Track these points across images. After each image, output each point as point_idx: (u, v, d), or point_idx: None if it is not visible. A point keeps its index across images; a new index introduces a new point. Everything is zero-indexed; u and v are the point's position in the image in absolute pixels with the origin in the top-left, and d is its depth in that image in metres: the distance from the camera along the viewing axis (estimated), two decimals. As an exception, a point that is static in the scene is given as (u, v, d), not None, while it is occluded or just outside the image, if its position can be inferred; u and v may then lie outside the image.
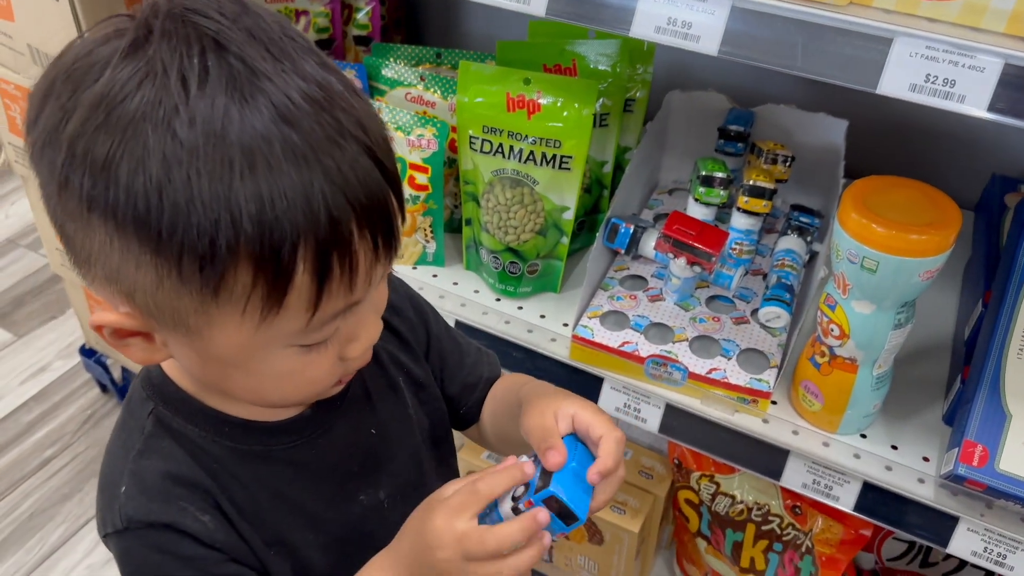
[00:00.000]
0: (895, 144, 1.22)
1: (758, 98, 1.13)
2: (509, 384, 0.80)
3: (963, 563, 1.17)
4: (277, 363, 0.55)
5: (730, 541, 1.10)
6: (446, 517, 0.56)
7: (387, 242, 0.52)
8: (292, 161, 0.46)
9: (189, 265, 0.47)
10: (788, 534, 1.04)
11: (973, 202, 1.18)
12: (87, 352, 1.87)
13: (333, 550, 0.66)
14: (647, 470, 1.21)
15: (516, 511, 0.57)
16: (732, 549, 1.10)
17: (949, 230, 0.75)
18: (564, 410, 0.63)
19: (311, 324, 0.52)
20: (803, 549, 1.02)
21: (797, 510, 1.03)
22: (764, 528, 1.06)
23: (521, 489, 0.59)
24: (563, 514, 0.57)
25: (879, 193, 0.78)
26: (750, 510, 1.06)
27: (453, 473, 0.81)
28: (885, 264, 0.76)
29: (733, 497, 1.08)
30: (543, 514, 0.56)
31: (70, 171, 0.47)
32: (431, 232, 1.10)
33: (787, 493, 1.04)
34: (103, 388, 1.92)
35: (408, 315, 0.76)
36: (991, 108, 0.62)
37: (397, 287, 0.77)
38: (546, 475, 0.58)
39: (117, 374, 1.87)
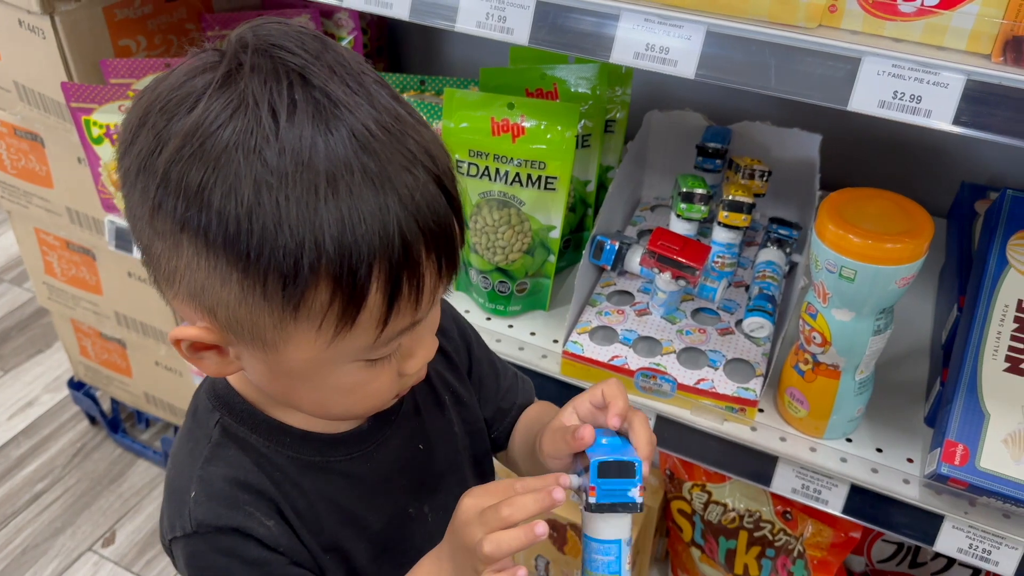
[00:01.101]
0: (868, 156, 1.26)
1: (734, 115, 1.17)
2: (539, 411, 0.83)
3: (951, 563, 1.19)
4: (343, 377, 0.58)
5: (723, 549, 1.12)
6: (474, 497, 0.58)
7: (450, 264, 0.56)
8: (370, 186, 0.50)
9: (273, 284, 0.50)
10: (780, 539, 1.06)
11: (944, 210, 1.22)
12: (75, 385, 1.87)
13: (382, 560, 0.69)
14: (639, 482, 1.23)
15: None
16: (726, 557, 1.12)
17: (922, 238, 0.78)
18: (572, 402, 0.68)
19: (378, 341, 0.55)
20: (795, 554, 1.04)
21: (788, 515, 1.05)
22: (756, 535, 1.08)
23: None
24: (620, 471, 0.58)
25: (854, 204, 0.82)
26: (742, 517, 1.08)
27: None
28: (863, 273, 0.79)
29: (725, 505, 1.10)
30: (559, 492, 0.57)
31: (163, 195, 0.50)
32: (420, 255, 1.12)
33: (777, 499, 1.07)
34: (92, 420, 1.91)
35: (453, 335, 0.80)
36: (956, 121, 0.65)
37: (445, 308, 0.80)
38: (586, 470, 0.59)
39: (107, 406, 1.87)
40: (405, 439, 0.71)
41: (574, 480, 0.61)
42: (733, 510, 1.09)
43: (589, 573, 0.62)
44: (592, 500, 0.59)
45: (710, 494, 1.12)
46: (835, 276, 0.81)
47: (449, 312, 0.81)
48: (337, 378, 0.58)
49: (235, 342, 0.56)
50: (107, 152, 1.23)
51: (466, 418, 0.78)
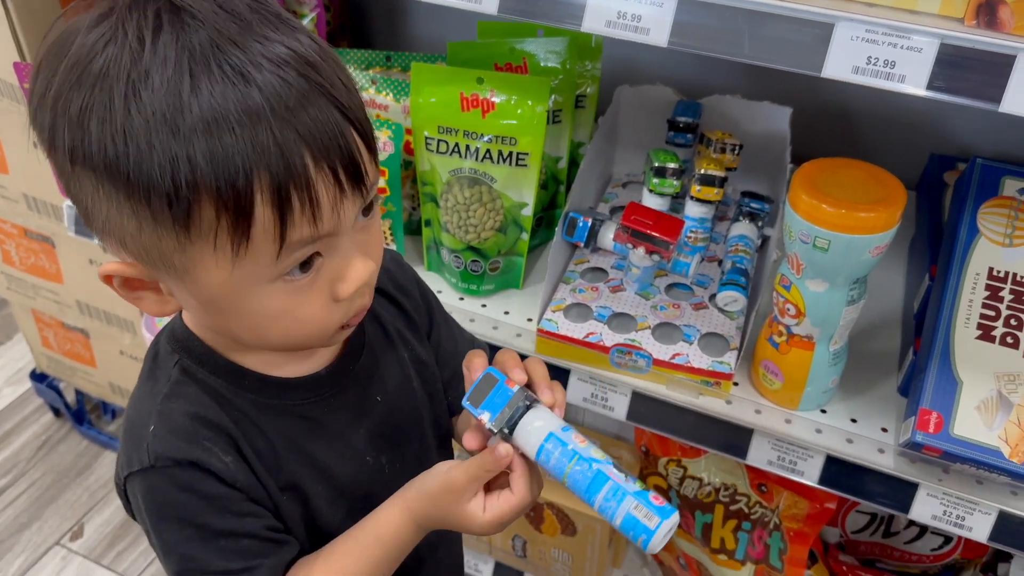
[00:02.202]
0: (837, 129, 1.26)
1: (705, 90, 1.16)
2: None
3: (923, 532, 1.21)
4: (266, 301, 0.57)
5: (700, 523, 1.12)
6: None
7: (351, 176, 0.55)
8: (237, 95, 0.51)
9: (158, 205, 0.51)
10: (756, 512, 1.06)
11: (914, 182, 1.23)
12: (38, 377, 1.82)
13: (338, 504, 0.69)
14: (614, 459, 1.22)
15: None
16: (702, 531, 1.12)
17: (895, 207, 0.78)
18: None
19: (281, 256, 0.55)
20: (771, 526, 1.05)
21: (763, 488, 1.05)
22: (732, 508, 1.08)
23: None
24: (485, 390, 0.61)
25: (827, 174, 0.81)
26: (717, 491, 1.09)
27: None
28: (836, 242, 0.78)
29: (700, 480, 1.10)
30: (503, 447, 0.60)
31: (55, 130, 0.53)
32: (391, 235, 1.10)
33: (753, 472, 1.07)
34: (56, 413, 1.87)
35: (415, 296, 0.80)
36: (930, 86, 0.65)
37: (406, 270, 0.81)
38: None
39: (71, 398, 1.83)
40: (362, 389, 0.71)
41: (493, 441, 0.62)
42: (709, 484, 1.09)
43: (565, 480, 0.61)
44: (492, 428, 0.61)
45: (685, 469, 1.12)
46: (809, 247, 0.80)
47: (411, 274, 0.81)
48: (260, 303, 0.57)
49: (154, 273, 0.57)
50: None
51: (426, 378, 0.78)
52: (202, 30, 0.51)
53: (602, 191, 1.22)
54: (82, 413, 1.83)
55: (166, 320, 0.70)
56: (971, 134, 1.20)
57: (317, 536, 0.68)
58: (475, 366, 0.64)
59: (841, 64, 0.67)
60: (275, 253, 0.54)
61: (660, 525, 0.58)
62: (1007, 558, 1.16)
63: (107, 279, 0.59)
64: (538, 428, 0.60)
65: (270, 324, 0.59)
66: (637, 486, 0.60)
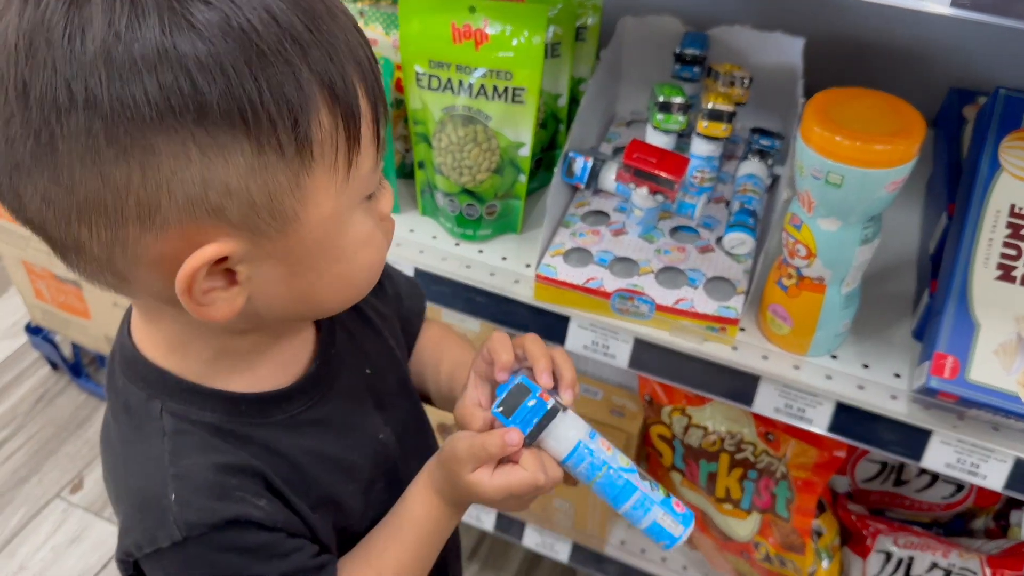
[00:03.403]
0: (852, 61, 1.20)
1: (712, 21, 1.10)
2: (443, 345, 0.81)
3: (934, 480, 1.18)
4: (358, 228, 0.55)
5: (704, 472, 1.09)
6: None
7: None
8: (327, 9, 0.49)
9: (284, 129, 0.47)
10: (762, 461, 1.03)
11: (931, 118, 1.17)
12: (33, 330, 1.80)
13: (366, 493, 0.67)
14: (618, 408, 1.20)
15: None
16: (707, 480, 1.09)
17: (914, 138, 0.73)
18: (472, 366, 0.68)
19: (378, 161, 0.54)
20: (778, 475, 1.02)
21: (770, 436, 1.02)
22: (738, 457, 1.05)
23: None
24: (516, 400, 0.61)
25: (841, 105, 0.76)
26: (723, 440, 1.06)
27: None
28: (851, 177, 0.74)
29: (705, 428, 1.07)
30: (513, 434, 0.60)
31: (116, 95, 0.43)
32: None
33: (760, 420, 1.04)
34: (53, 366, 1.85)
35: None
36: (955, 3, 0.59)
37: None
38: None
39: (68, 351, 1.81)
40: (352, 367, 0.67)
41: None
42: (714, 433, 1.06)
43: (592, 486, 0.64)
44: (525, 440, 0.61)
45: (690, 417, 1.08)
46: (821, 183, 0.75)
47: None
48: (355, 231, 0.54)
49: (252, 244, 0.50)
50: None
51: (393, 333, 0.75)
52: None
53: (605, 130, 1.17)
54: (79, 366, 1.81)
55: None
56: (992, 67, 1.14)
57: (344, 533, 0.65)
58: (503, 363, 0.64)
59: (860, -21, 0.61)
60: (374, 158, 0.53)
61: (684, 533, 0.63)
62: (1018, 505, 1.13)
63: (191, 279, 0.49)
64: (567, 438, 0.62)
65: (367, 257, 0.56)
66: (661, 494, 0.63)
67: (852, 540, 1.12)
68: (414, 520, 0.66)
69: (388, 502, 0.68)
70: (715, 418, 1.07)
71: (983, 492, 1.15)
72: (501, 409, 0.62)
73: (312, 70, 0.47)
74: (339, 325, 0.67)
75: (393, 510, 0.67)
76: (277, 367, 0.61)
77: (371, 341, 0.71)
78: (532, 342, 0.65)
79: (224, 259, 0.49)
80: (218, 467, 0.56)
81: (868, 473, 1.18)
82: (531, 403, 0.61)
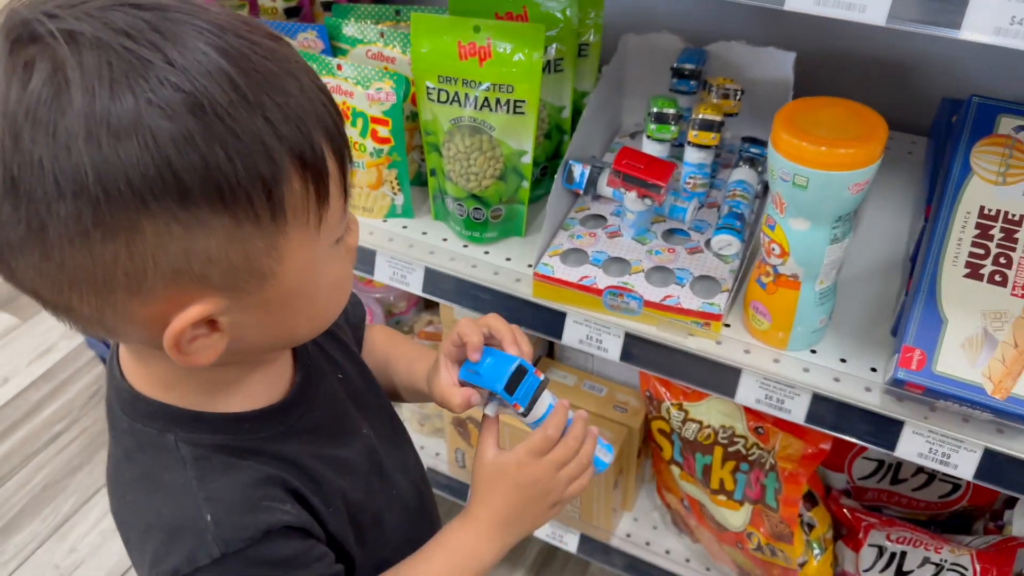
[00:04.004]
0: (846, 75, 1.25)
1: (712, 37, 1.16)
2: (392, 345, 0.92)
3: (931, 478, 1.21)
4: (332, 269, 0.61)
5: (700, 465, 1.14)
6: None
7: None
8: (294, 71, 0.53)
9: (259, 198, 0.51)
10: (753, 453, 1.08)
11: (927, 128, 1.21)
12: (89, 330, 1.93)
13: (364, 485, 0.73)
14: (622, 404, 1.26)
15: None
16: (703, 472, 1.14)
17: (875, 143, 0.78)
18: (441, 349, 0.79)
19: (345, 209, 0.59)
20: (767, 467, 1.07)
21: (760, 430, 1.07)
22: (731, 450, 1.10)
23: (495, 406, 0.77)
24: (518, 379, 0.74)
25: (808, 113, 0.82)
26: (717, 433, 1.11)
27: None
28: (815, 180, 0.79)
29: (700, 423, 1.12)
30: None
31: (102, 185, 0.47)
32: (397, 184, 1.13)
33: (751, 415, 1.08)
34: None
35: None
36: (891, 17, 0.65)
37: None
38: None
39: (119, 350, 1.93)
40: (328, 374, 0.74)
41: (491, 409, 0.77)
42: (709, 427, 1.11)
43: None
44: (523, 413, 0.75)
45: (687, 412, 1.14)
46: (789, 185, 0.81)
47: None
48: (329, 273, 0.60)
49: (233, 300, 0.54)
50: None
51: (350, 339, 0.83)
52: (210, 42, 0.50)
53: (609, 141, 1.24)
54: (129, 364, 1.93)
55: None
56: (984, 76, 1.18)
57: (357, 531, 0.71)
58: (475, 344, 0.74)
59: (805, -3, 0.67)
60: (342, 207, 0.58)
61: (611, 459, 0.81)
62: (1014, 504, 1.15)
63: (178, 339, 0.53)
64: (544, 401, 0.76)
65: (336, 293, 0.63)
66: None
67: (846, 534, 1.16)
68: (443, 545, 0.74)
69: (380, 491, 0.75)
70: (710, 413, 1.12)
71: (979, 491, 1.18)
72: (506, 389, 0.73)
73: (282, 142, 0.51)
74: None
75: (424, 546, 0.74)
76: (266, 385, 0.67)
77: (335, 349, 0.78)
78: (496, 320, 0.75)
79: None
80: (244, 484, 0.61)
81: (865, 471, 1.22)
82: (527, 381, 0.74)
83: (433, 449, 1.48)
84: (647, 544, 1.32)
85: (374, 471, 0.75)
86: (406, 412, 1.48)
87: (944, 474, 1.17)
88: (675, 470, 1.21)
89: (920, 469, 1.20)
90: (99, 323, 0.54)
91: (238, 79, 0.49)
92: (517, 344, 0.75)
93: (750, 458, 1.09)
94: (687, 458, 1.17)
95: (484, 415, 0.77)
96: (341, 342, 0.80)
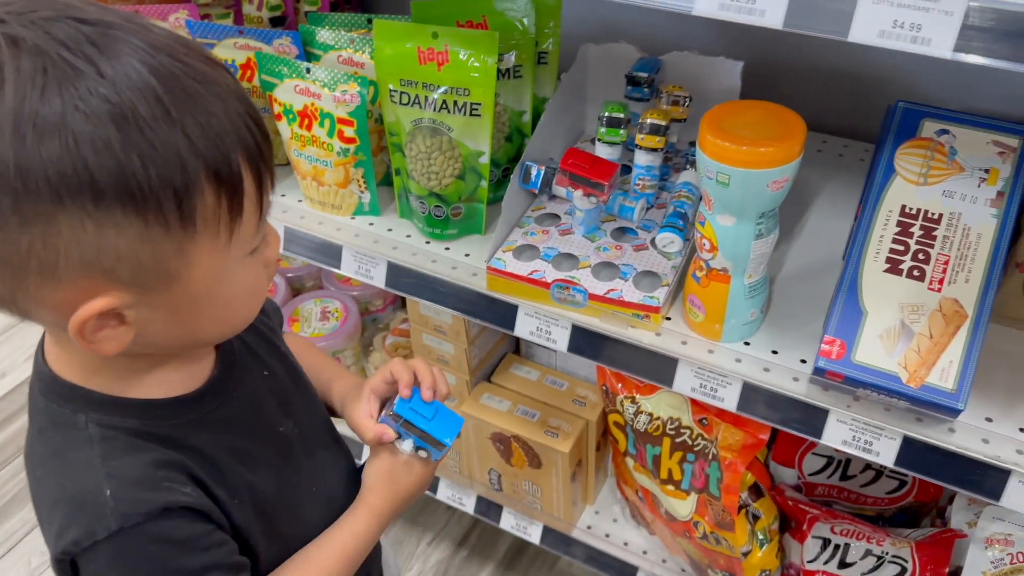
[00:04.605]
0: (796, 83, 1.30)
1: (667, 47, 1.22)
2: (313, 356, 0.96)
3: (878, 475, 1.24)
4: (242, 279, 0.64)
5: (650, 455, 1.18)
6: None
7: (269, 148, 0.64)
8: (222, 91, 0.57)
9: (169, 207, 0.55)
10: (698, 444, 1.12)
11: (875, 135, 1.25)
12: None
13: (277, 480, 0.76)
14: (580, 398, 1.30)
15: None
16: (653, 463, 1.19)
17: (792, 142, 0.83)
18: (369, 384, 0.87)
19: (259, 224, 0.63)
20: (710, 456, 1.11)
21: (704, 421, 1.11)
22: (678, 440, 1.14)
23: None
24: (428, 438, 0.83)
25: (732, 115, 0.87)
26: (665, 425, 1.15)
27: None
28: (735, 177, 0.84)
29: (651, 415, 1.17)
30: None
31: (22, 178, 0.51)
32: (364, 183, 1.19)
33: (696, 406, 1.13)
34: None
35: None
36: (788, 23, 0.70)
37: None
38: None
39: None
40: (251, 370, 0.78)
41: (407, 446, 0.83)
42: (658, 418, 1.16)
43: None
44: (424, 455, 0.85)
45: (639, 405, 1.18)
46: (714, 182, 0.86)
47: None
48: (240, 281, 0.64)
49: (139, 296, 0.58)
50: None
51: (278, 339, 0.87)
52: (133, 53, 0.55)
53: (570, 145, 1.29)
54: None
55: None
56: (933, 85, 1.22)
57: (264, 518, 0.73)
58: (407, 382, 0.84)
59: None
60: (256, 223, 0.62)
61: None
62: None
63: (82, 326, 0.57)
64: None
65: (245, 302, 0.66)
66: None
67: (792, 527, 1.20)
68: (348, 530, 0.80)
69: (298, 487, 0.79)
70: (659, 405, 1.17)
71: (924, 486, 1.21)
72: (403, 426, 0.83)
73: (197, 154, 0.55)
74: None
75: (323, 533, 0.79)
76: (185, 375, 0.70)
77: (262, 346, 0.82)
78: (422, 363, 0.86)
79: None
80: (146, 463, 0.64)
81: (815, 467, 1.26)
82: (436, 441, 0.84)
83: (405, 443, 1.53)
84: (607, 536, 1.37)
85: (291, 467, 0.78)
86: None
87: (891, 470, 1.20)
88: (630, 462, 1.25)
89: (868, 465, 1.24)
90: (12, 303, 0.58)
91: (164, 96, 0.54)
92: (434, 388, 0.84)
93: (695, 448, 1.13)
94: (639, 450, 1.21)
95: (394, 444, 0.84)
96: (270, 342, 0.84)
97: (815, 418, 0.93)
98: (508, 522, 1.43)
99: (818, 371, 0.89)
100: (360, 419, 0.85)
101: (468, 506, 1.46)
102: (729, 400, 0.97)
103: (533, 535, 1.41)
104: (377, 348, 1.49)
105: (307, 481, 0.81)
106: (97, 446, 0.64)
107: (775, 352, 0.98)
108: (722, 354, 0.97)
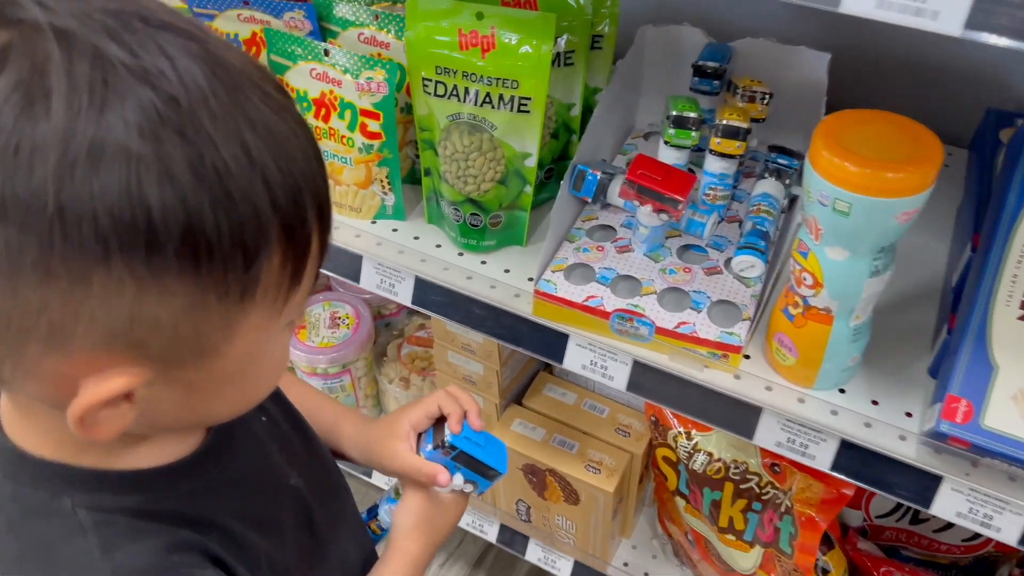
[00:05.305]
0: (882, 79, 1.15)
1: (737, 32, 1.06)
2: (308, 395, 0.85)
3: (954, 519, 1.12)
4: (277, 350, 0.52)
5: (708, 500, 1.05)
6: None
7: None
8: (290, 132, 0.45)
9: (234, 270, 0.43)
10: (767, 493, 0.99)
11: (967, 140, 1.11)
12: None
13: (293, 544, 0.65)
14: (624, 428, 1.16)
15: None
16: (710, 508, 1.05)
17: (929, 167, 0.68)
18: (407, 416, 0.80)
19: (312, 290, 0.51)
20: (782, 509, 0.98)
21: (776, 468, 0.98)
22: (743, 487, 1.01)
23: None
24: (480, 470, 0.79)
25: (853, 128, 0.72)
26: (728, 468, 1.02)
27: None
28: (859, 206, 0.69)
29: (710, 455, 1.03)
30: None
31: (62, 221, 0.38)
32: (388, 183, 1.03)
33: (766, 451, 0.99)
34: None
35: None
36: (969, 25, 0.55)
37: None
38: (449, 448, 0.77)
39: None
40: (250, 418, 0.65)
41: (457, 480, 0.77)
42: (719, 460, 1.02)
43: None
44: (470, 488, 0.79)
45: (695, 443, 1.05)
46: (828, 210, 0.71)
47: None
48: (274, 352, 0.51)
49: (160, 373, 0.45)
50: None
51: None
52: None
53: (621, 142, 1.14)
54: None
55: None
56: (1032, 87, 1.07)
57: None
58: (459, 415, 0.79)
59: (866, -2, 0.57)
60: (310, 289, 0.50)
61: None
62: (1045, 554, 1.07)
63: (88, 409, 0.44)
64: None
65: (269, 377, 0.54)
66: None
67: (862, 579, 1.07)
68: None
69: (312, 551, 0.67)
70: (720, 445, 1.03)
71: (1007, 537, 1.09)
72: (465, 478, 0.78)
73: (275, 211, 0.43)
74: None
75: None
76: (178, 436, 0.57)
77: None
78: (460, 391, 0.81)
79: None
80: (157, 549, 0.52)
81: (883, 509, 1.13)
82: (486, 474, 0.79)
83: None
84: (645, 575, 1.24)
85: (303, 526, 0.67)
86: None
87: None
88: (680, 502, 1.12)
89: (943, 509, 1.11)
90: None
91: (246, 132, 0.41)
92: (477, 419, 0.80)
93: (763, 497, 1.00)
94: (693, 491, 1.08)
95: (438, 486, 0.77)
96: None
97: (925, 485, 0.80)
98: (535, 554, 1.30)
99: (939, 435, 0.75)
100: (411, 461, 0.77)
101: (490, 534, 1.33)
102: (822, 458, 0.83)
103: (562, 570, 1.28)
104: (392, 358, 1.35)
105: (318, 541, 0.69)
106: (93, 535, 0.51)
107: (875, 403, 0.84)
108: (814, 404, 0.83)
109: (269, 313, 0.47)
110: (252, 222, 0.42)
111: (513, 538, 1.31)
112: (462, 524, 1.35)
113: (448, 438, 0.76)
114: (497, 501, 1.29)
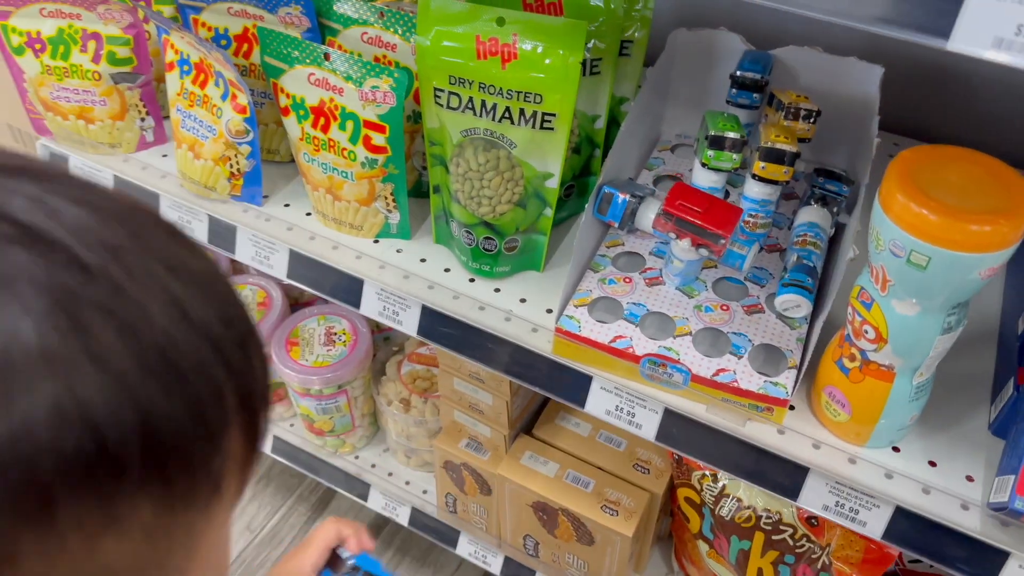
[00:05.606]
0: (942, 97, 1.05)
1: (777, 40, 0.96)
2: None
3: (993, 565, 1.05)
4: (224, 542, 0.43)
5: (735, 549, 0.97)
6: None
7: None
8: (186, 250, 0.37)
9: (203, 469, 0.35)
10: (802, 547, 0.91)
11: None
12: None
13: None
14: (643, 464, 1.08)
15: None
16: (737, 557, 0.98)
17: (1020, 219, 0.60)
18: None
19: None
20: (819, 565, 0.90)
21: (813, 521, 0.90)
22: (775, 538, 0.93)
23: None
24: None
25: (933, 168, 0.63)
26: (759, 517, 0.94)
27: None
28: (938, 260, 0.61)
29: (739, 500, 0.95)
30: None
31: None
32: (393, 200, 0.94)
33: (802, 501, 0.91)
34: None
35: None
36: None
37: None
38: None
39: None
40: None
41: None
42: (749, 507, 0.94)
43: None
44: None
45: (723, 486, 0.97)
46: (902, 261, 0.63)
47: None
48: (224, 545, 0.42)
49: None
50: (32, 65, 1.04)
51: None
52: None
53: (647, 155, 1.04)
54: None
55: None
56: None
57: None
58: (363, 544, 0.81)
59: (976, 33, 0.48)
60: (254, 472, 0.42)
61: None
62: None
63: None
64: None
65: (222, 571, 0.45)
66: None
67: (897, 633, 1.00)
68: None
69: None
70: (751, 491, 0.95)
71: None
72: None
73: (230, 375, 0.35)
74: None
75: None
76: None
77: None
78: (349, 520, 0.83)
79: None
80: None
81: (919, 555, 1.05)
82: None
83: (420, 485, 1.30)
84: (660, 616, 1.17)
85: None
86: (391, 442, 1.31)
87: None
88: (703, 546, 1.04)
89: None
90: None
91: (171, 283, 0.34)
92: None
93: (798, 551, 0.92)
94: (719, 537, 1.00)
95: None
96: None
97: (989, 560, 0.72)
98: (541, 588, 1.22)
99: (1012, 512, 0.67)
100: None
101: (494, 566, 1.25)
102: (874, 525, 0.75)
103: (571, 606, 1.20)
104: (391, 377, 1.26)
105: None
106: None
107: (932, 463, 0.76)
108: (867, 467, 0.75)
109: (231, 504, 0.39)
110: (211, 397, 0.34)
111: (519, 572, 1.23)
112: (463, 554, 1.27)
113: (353, 560, 0.81)
114: (503, 534, 1.21)
